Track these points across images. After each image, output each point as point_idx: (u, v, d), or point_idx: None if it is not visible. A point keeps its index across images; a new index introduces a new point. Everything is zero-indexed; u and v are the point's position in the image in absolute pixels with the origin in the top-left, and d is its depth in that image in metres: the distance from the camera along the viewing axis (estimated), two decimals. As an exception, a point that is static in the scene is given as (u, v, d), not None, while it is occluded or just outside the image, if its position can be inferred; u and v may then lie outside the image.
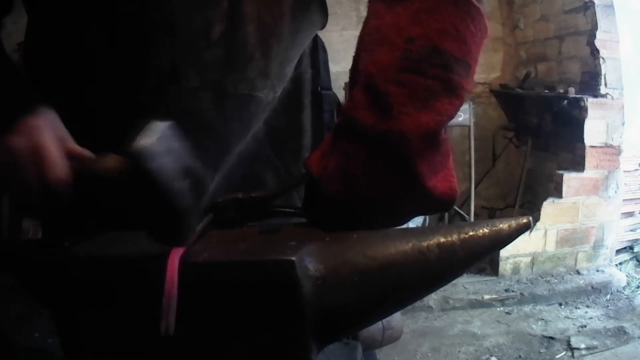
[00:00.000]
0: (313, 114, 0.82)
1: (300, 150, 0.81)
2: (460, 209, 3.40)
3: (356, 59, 0.56)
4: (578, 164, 2.97)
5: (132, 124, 0.64)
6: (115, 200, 0.52)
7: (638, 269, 3.16)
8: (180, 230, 0.48)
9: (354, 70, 0.57)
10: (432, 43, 0.50)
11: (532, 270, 3.02)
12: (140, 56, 0.66)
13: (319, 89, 0.83)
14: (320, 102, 0.83)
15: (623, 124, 2.95)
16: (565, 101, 2.95)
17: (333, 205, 0.54)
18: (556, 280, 2.95)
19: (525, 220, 0.47)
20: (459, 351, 2.42)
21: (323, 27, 0.78)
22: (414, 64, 0.50)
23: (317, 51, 0.82)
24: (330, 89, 0.86)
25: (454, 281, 2.56)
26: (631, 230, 3.30)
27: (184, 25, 0.66)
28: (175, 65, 0.66)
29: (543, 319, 2.66)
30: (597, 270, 3.04)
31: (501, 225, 0.47)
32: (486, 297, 2.83)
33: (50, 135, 0.54)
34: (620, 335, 2.46)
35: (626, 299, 2.81)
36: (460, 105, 0.53)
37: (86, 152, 0.56)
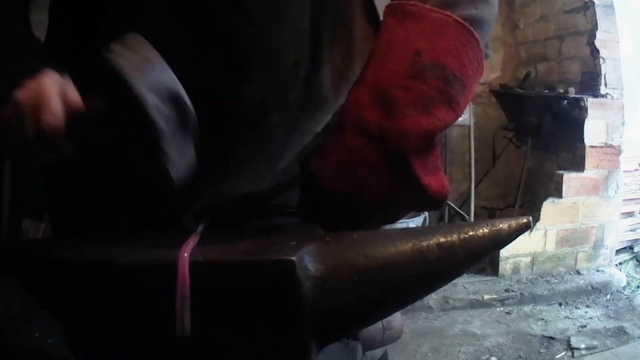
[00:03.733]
0: None
1: None
2: (460, 209, 3.40)
3: (365, 67, 0.60)
4: (578, 164, 2.97)
5: (223, 156, 0.68)
6: (101, 139, 0.58)
7: (638, 269, 3.16)
8: (160, 153, 0.48)
9: (360, 76, 0.61)
10: (437, 58, 0.55)
11: (532, 270, 3.02)
12: (231, 88, 0.66)
13: None
14: None
15: (623, 124, 2.95)
16: (565, 101, 2.95)
17: (332, 200, 0.56)
18: (556, 280, 2.95)
19: (525, 220, 0.48)
20: (459, 351, 2.42)
21: None
22: (420, 73, 0.55)
23: None
24: None
25: (454, 281, 2.57)
26: (631, 230, 3.30)
27: (278, 63, 0.67)
28: (263, 100, 0.67)
29: (543, 319, 2.66)
30: (597, 270, 3.04)
31: (501, 225, 0.47)
32: (486, 297, 2.83)
33: (52, 86, 0.58)
34: (620, 335, 2.46)
35: (626, 299, 2.81)
36: (456, 118, 0.58)
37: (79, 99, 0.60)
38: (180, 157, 0.52)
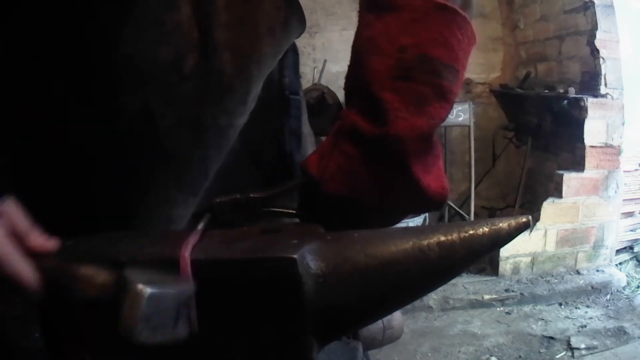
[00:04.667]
0: (280, 118, 0.79)
1: (277, 157, 0.79)
2: (460, 209, 3.41)
3: (350, 69, 0.59)
4: (578, 164, 2.98)
5: (111, 173, 0.62)
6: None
7: (638, 269, 3.17)
8: None
9: (349, 79, 0.59)
10: (423, 51, 0.53)
11: (532, 270, 3.03)
12: (107, 103, 0.61)
13: (286, 92, 0.79)
14: (287, 107, 0.79)
15: (623, 124, 2.96)
16: (565, 101, 2.95)
17: (333, 204, 0.56)
18: (556, 280, 2.96)
19: (524, 220, 0.47)
20: (459, 351, 2.42)
21: (299, 36, 0.74)
22: (407, 72, 0.53)
23: (287, 53, 0.77)
24: (298, 93, 0.81)
25: (454, 281, 2.57)
26: (631, 230, 3.30)
27: (150, 62, 0.61)
28: (147, 106, 0.62)
29: (543, 319, 2.66)
30: (597, 270, 3.04)
31: (501, 224, 0.47)
32: (486, 297, 2.83)
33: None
34: (620, 335, 2.46)
35: (626, 299, 2.81)
36: (450, 108, 0.56)
37: (54, 246, 0.51)
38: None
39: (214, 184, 0.71)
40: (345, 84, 0.60)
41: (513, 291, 2.86)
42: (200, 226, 0.53)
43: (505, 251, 2.96)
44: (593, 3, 2.89)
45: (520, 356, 2.36)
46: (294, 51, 0.80)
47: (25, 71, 0.62)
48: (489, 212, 3.68)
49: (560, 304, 2.81)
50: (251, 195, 0.58)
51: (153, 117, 0.62)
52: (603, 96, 2.90)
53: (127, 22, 0.59)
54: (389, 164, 0.54)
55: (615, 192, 3.02)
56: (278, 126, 0.79)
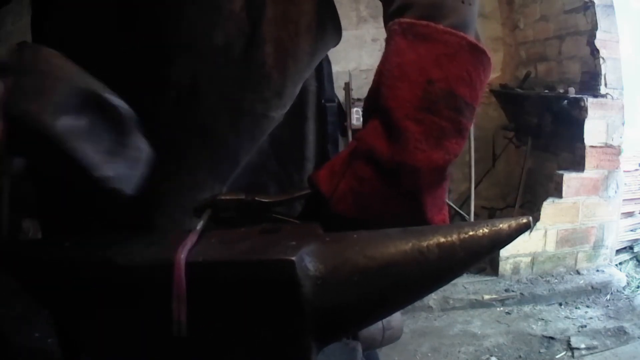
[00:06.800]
0: (317, 126, 0.83)
1: (304, 161, 0.83)
2: (460, 209, 3.40)
3: (374, 91, 0.59)
4: (578, 164, 2.97)
5: (151, 137, 0.65)
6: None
7: (638, 269, 3.16)
8: (100, 180, 0.45)
9: (370, 101, 0.60)
10: (449, 87, 0.54)
11: (532, 270, 3.02)
12: (160, 72, 0.66)
13: (323, 101, 0.84)
14: (324, 115, 0.84)
15: (623, 124, 2.95)
16: (565, 101, 2.95)
17: (336, 220, 0.57)
18: (556, 280, 2.95)
19: (525, 220, 0.47)
20: (459, 351, 2.42)
21: (336, 45, 0.78)
22: (432, 105, 0.54)
23: (322, 63, 0.83)
24: (334, 101, 0.87)
25: (454, 281, 2.57)
26: (631, 230, 3.30)
27: (204, 43, 0.66)
28: (195, 81, 0.66)
29: (543, 319, 2.66)
30: (597, 270, 3.04)
31: (501, 225, 0.47)
32: (486, 297, 2.83)
33: None
34: (620, 335, 2.46)
35: (626, 299, 2.81)
36: (464, 145, 0.58)
37: None
38: (126, 161, 0.48)
39: (240, 178, 0.74)
40: (365, 103, 0.61)
41: (513, 291, 2.86)
42: (199, 226, 0.53)
43: (505, 251, 2.96)
44: (593, 3, 2.88)
45: (520, 356, 2.36)
46: (328, 62, 0.87)
47: (86, 37, 0.65)
48: (489, 212, 3.68)
49: (560, 304, 2.81)
50: (256, 198, 0.59)
51: (198, 93, 0.67)
52: (603, 96, 2.89)
53: (189, 3, 0.64)
54: (401, 192, 0.55)
55: (615, 192, 3.02)
56: (318, 132, 0.83)
